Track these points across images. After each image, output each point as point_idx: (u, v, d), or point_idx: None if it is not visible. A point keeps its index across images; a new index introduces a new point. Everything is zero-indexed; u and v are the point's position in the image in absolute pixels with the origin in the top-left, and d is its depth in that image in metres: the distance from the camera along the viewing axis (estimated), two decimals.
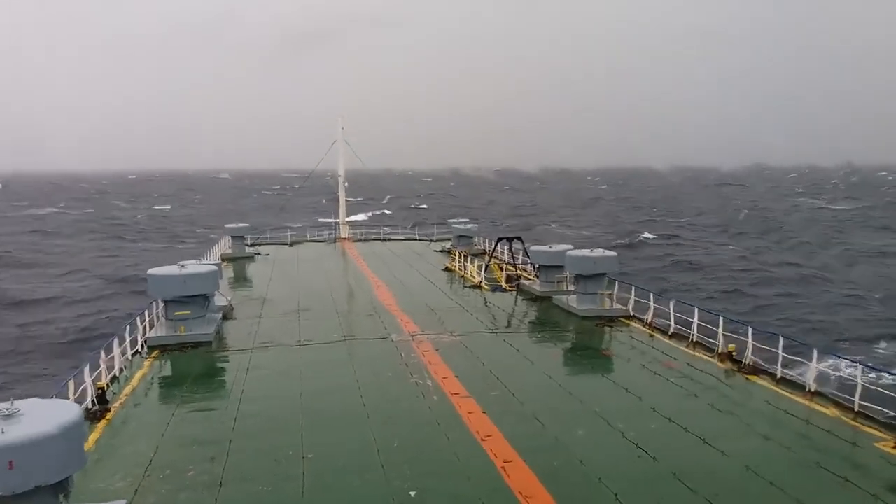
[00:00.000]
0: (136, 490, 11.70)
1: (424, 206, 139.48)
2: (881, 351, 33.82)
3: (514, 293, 30.07)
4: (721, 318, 19.80)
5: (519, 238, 35.20)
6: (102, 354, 17.84)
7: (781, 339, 17.31)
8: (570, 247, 28.17)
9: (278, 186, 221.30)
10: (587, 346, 21.81)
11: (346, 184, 54.68)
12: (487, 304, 28.07)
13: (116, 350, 18.91)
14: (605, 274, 25.24)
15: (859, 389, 14.72)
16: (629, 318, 24.26)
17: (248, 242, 47.24)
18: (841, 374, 15.80)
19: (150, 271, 23.07)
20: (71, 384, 15.24)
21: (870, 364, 15.46)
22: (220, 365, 20.00)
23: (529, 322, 25.21)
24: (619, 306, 25.02)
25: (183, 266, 23.34)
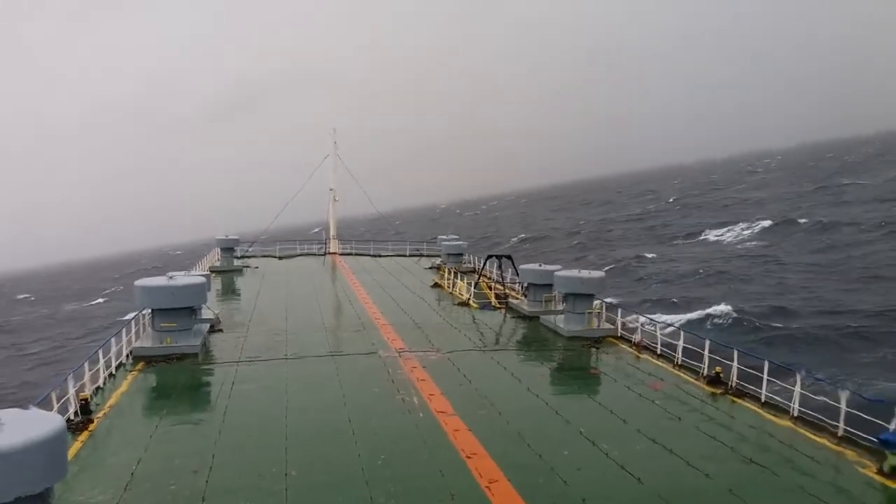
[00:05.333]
0: (117, 503, 11.60)
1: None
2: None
3: (503, 311, 30.12)
4: (707, 341, 19.93)
5: (509, 256, 35.33)
6: (87, 365, 17.71)
7: (767, 362, 17.45)
8: (559, 266, 28.34)
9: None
10: (574, 366, 21.85)
11: (337, 199, 54.77)
12: (475, 321, 28.09)
13: (101, 361, 18.78)
14: (592, 294, 25.36)
15: (843, 414, 14.83)
16: (616, 338, 24.36)
17: (238, 255, 47.10)
18: (825, 398, 15.90)
19: (138, 282, 22.99)
20: (54, 395, 15.12)
21: (853, 391, 15.52)
22: (205, 378, 19.88)
23: (517, 341, 25.23)
24: (606, 326, 25.12)
25: (171, 277, 23.28)
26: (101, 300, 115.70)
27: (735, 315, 43.88)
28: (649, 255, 74.51)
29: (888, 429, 13.59)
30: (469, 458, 13.50)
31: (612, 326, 25.01)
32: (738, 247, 75.67)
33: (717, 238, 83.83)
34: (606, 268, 69.25)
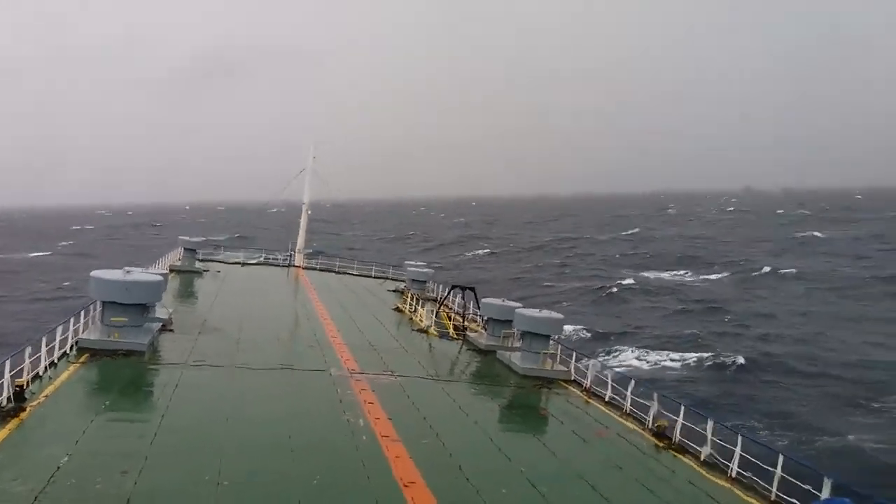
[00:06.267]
0: (36, 497, 11.19)
1: None
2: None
3: (460, 343, 30.09)
4: (655, 393, 20.15)
5: (472, 289, 35.40)
6: (28, 351, 17.18)
7: (710, 421, 17.71)
8: (520, 304, 28.51)
9: (203, 219, 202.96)
10: (523, 405, 21.87)
11: (310, 212, 54.51)
12: (432, 349, 28.01)
13: (44, 348, 18.23)
14: (549, 336, 25.53)
15: (777, 478, 15.09)
16: (568, 381, 24.47)
17: (200, 257, 46.38)
18: (761, 462, 16.17)
19: (94, 273, 22.52)
20: None
21: (790, 456, 15.81)
22: (149, 377, 19.43)
23: (470, 373, 25.20)
24: (560, 368, 25.23)
25: (128, 272, 22.86)
26: (47, 253, 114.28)
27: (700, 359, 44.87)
28: (626, 283, 76.21)
29: (818, 497, 13.86)
30: (406, 486, 13.36)
31: (565, 369, 25.14)
32: (705, 285, 77.45)
33: (684, 275, 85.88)
34: (581, 294, 70.73)
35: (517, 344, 27.55)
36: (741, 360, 44.10)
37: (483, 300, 31.12)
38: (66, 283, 76.54)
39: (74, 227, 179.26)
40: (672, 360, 45.53)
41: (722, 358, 44.71)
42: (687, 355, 46.00)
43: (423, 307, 34.55)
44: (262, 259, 53.99)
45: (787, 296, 69.44)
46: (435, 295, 42.19)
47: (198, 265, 44.12)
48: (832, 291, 70.79)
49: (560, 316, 26.23)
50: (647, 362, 45.47)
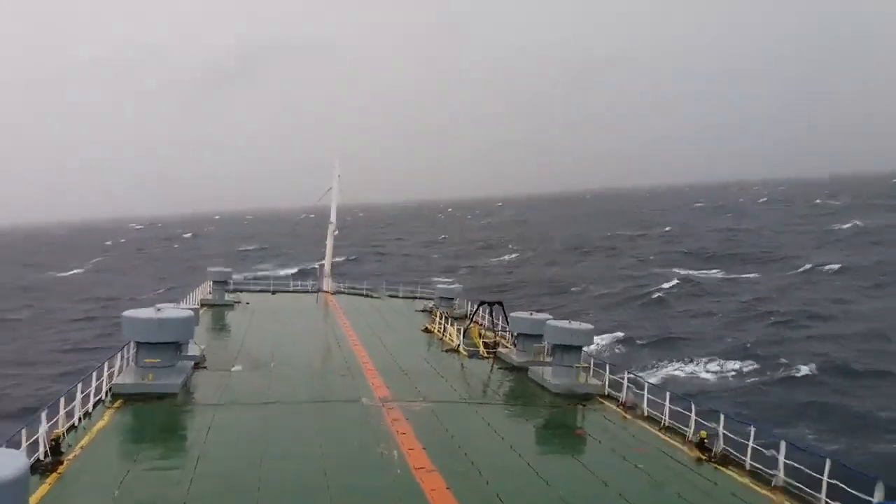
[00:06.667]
0: None
1: None
2: None
3: (491, 361, 29.79)
4: (693, 404, 19.69)
5: (500, 303, 35.10)
6: (63, 401, 17.41)
7: (753, 428, 17.22)
8: (549, 316, 28.10)
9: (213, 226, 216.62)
10: (559, 424, 21.51)
11: (336, 232, 54.73)
12: (464, 369, 27.79)
13: (78, 397, 18.46)
14: (580, 347, 25.08)
15: (825, 486, 14.59)
16: (604, 396, 23.99)
17: (230, 288, 46.85)
18: (808, 469, 15.63)
19: (126, 313, 22.82)
20: (24, 432, 14.83)
21: (838, 461, 15.27)
22: (182, 421, 19.57)
23: (504, 394, 24.89)
24: (594, 382, 24.75)
25: (159, 309, 23.07)
26: (80, 270, 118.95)
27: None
28: (664, 285, 73.83)
29: (871, 501, 13.36)
30: None
31: (599, 383, 24.68)
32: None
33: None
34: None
35: (548, 358, 27.14)
36: (793, 365, 42.30)
37: (511, 314, 30.74)
38: (97, 302, 79.36)
39: (107, 243, 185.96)
40: (710, 370, 43.94)
41: (771, 365, 42.82)
42: (730, 363, 44.35)
43: (452, 325, 34.38)
44: (291, 273, 54.17)
45: (832, 289, 67.00)
46: (463, 311, 42.01)
47: (227, 297, 44.57)
48: (879, 287, 67.91)
49: (590, 326, 25.71)
50: (686, 372, 43.92)
